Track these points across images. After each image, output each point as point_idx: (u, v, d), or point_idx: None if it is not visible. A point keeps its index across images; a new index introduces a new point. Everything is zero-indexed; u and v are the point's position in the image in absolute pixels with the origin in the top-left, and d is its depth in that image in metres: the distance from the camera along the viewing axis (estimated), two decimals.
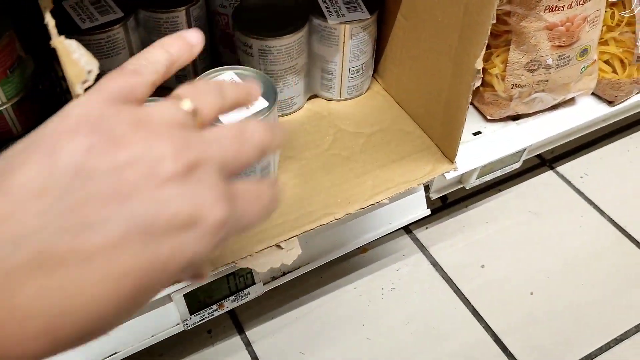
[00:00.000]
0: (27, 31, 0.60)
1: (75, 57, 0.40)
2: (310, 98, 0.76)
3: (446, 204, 1.06)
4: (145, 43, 0.71)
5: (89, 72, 0.39)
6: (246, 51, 0.67)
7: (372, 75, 0.78)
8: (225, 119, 0.56)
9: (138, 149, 0.25)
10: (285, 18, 0.68)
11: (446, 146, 0.69)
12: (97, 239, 0.23)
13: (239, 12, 0.68)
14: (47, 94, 0.63)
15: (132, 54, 0.70)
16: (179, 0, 0.69)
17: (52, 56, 0.61)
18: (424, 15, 0.65)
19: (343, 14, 0.69)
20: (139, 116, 0.27)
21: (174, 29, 0.69)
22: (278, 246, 0.61)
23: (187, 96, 0.31)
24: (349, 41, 0.69)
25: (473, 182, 0.93)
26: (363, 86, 0.76)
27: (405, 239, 1.01)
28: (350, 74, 0.73)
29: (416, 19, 0.66)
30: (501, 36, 0.86)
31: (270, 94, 0.59)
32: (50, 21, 0.45)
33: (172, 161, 0.25)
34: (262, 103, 0.58)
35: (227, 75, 0.61)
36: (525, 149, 0.92)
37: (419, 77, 0.70)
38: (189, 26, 0.70)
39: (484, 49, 0.57)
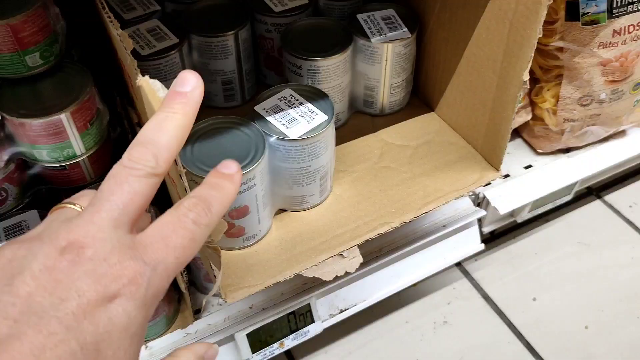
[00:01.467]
0: (103, 81, 0.62)
1: (160, 96, 0.42)
2: (353, 114, 0.78)
3: (494, 235, 1.06)
4: (198, 65, 0.75)
5: None
6: (295, 71, 0.70)
7: (412, 90, 0.80)
8: (289, 131, 0.59)
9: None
10: (330, 39, 0.71)
11: (491, 155, 0.71)
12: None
13: (287, 35, 0.71)
14: (118, 141, 0.65)
15: None
16: (228, 25, 0.73)
17: (128, 103, 0.64)
18: (467, 33, 0.67)
19: (385, 33, 0.71)
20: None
21: (224, 51, 0.73)
22: (341, 255, 0.63)
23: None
24: (390, 59, 0.72)
25: (525, 216, 0.93)
26: (404, 101, 0.79)
27: (455, 272, 1.01)
28: (391, 89, 0.76)
29: (458, 36, 0.68)
30: (552, 71, 0.87)
31: (329, 109, 0.62)
32: (132, 62, 0.47)
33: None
34: (322, 117, 0.60)
35: (287, 92, 0.63)
36: (577, 182, 0.92)
37: (461, 90, 0.72)
38: (238, 49, 0.73)
39: (530, 61, 0.58)
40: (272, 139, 0.59)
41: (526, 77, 0.60)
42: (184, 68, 0.73)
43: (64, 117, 0.54)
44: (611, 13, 0.77)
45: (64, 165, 0.59)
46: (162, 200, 0.65)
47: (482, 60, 0.66)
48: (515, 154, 0.95)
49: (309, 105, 0.62)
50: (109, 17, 0.49)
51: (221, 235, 0.48)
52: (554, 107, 0.88)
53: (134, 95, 0.56)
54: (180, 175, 0.43)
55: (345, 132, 0.75)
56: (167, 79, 0.70)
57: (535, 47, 0.58)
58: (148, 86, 0.42)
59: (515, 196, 0.88)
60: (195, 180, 0.54)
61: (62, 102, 0.55)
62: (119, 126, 0.65)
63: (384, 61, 0.72)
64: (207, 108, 0.78)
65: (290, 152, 0.59)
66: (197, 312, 0.73)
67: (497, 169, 0.71)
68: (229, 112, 0.76)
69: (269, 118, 0.60)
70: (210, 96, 0.78)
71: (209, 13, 0.75)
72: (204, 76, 0.75)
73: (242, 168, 0.55)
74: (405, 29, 0.72)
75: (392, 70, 0.73)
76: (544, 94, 0.88)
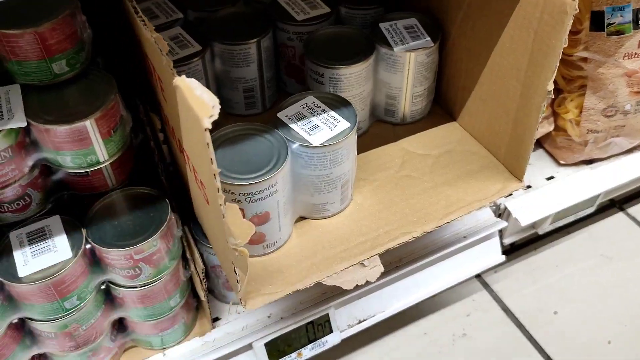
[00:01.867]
0: (126, 88, 0.62)
1: (198, 94, 0.42)
2: (374, 122, 0.78)
3: (515, 247, 1.04)
4: (220, 73, 0.75)
5: (213, 107, 0.41)
6: (317, 79, 0.70)
7: (434, 99, 0.79)
8: (312, 138, 0.58)
9: None
10: (352, 48, 0.72)
11: (514, 165, 0.70)
12: None
13: (310, 44, 0.71)
14: (139, 147, 0.65)
15: (208, 82, 0.74)
16: (251, 33, 0.73)
17: (152, 110, 0.64)
18: (490, 42, 0.66)
19: (407, 42, 0.71)
20: None
21: (246, 59, 0.74)
22: (361, 264, 0.62)
23: None
24: (413, 68, 0.72)
25: (547, 228, 0.91)
26: (425, 110, 0.78)
27: (474, 283, 1.00)
28: (413, 98, 0.76)
29: (481, 45, 0.68)
30: (575, 81, 0.86)
31: (351, 116, 0.62)
32: (168, 62, 0.47)
33: None
34: (344, 124, 0.60)
35: (309, 99, 0.63)
36: (600, 194, 0.91)
37: (483, 100, 0.72)
38: (260, 57, 0.74)
39: (555, 71, 0.58)
40: (295, 146, 0.58)
41: (551, 87, 0.59)
42: (206, 75, 0.73)
43: (88, 124, 0.55)
44: (637, 23, 0.76)
45: (86, 172, 0.59)
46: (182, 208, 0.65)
47: (505, 70, 0.65)
48: (537, 165, 0.94)
49: (332, 112, 0.62)
50: (143, 21, 0.49)
51: (248, 237, 0.48)
52: (577, 117, 0.87)
53: (163, 99, 0.56)
54: (214, 175, 0.43)
55: (366, 140, 0.75)
56: None
57: (560, 57, 0.57)
58: (185, 85, 0.43)
59: (537, 207, 0.87)
60: None
61: (87, 109, 0.55)
62: (141, 133, 0.65)
63: (406, 70, 0.72)
64: (228, 115, 0.79)
65: (312, 159, 0.59)
66: (215, 320, 0.73)
67: (520, 179, 0.70)
68: (250, 120, 0.76)
69: (292, 125, 0.60)
70: (231, 104, 0.78)
71: (231, 21, 0.75)
72: (226, 84, 0.77)
73: (265, 174, 0.55)
74: (428, 38, 0.72)
75: (414, 79, 0.73)
76: (567, 105, 0.87)
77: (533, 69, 0.61)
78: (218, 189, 0.45)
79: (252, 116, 0.79)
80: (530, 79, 0.62)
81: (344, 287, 0.60)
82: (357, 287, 0.76)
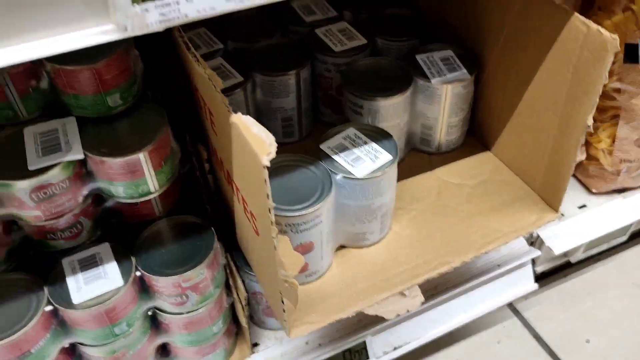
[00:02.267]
0: (174, 119, 0.64)
1: (255, 132, 0.44)
2: (409, 151, 0.79)
3: (545, 274, 1.04)
4: (260, 103, 0.77)
5: (270, 144, 0.42)
6: (356, 110, 0.72)
7: (469, 129, 0.80)
8: (355, 169, 0.60)
9: None
10: (390, 79, 0.73)
11: (550, 196, 0.71)
12: None
13: (349, 75, 0.73)
14: (186, 177, 0.67)
15: (249, 112, 0.76)
16: (290, 64, 0.75)
17: (199, 140, 0.66)
18: (527, 75, 0.67)
19: (444, 74, 0.73)
20: None
21: (285, 90, 0.76)
22: (402, 294, 0.63)
23: None
24: (449, 99, 0.73)
25: (579, 256, 0.92)
26: (460, 140, 0.79)
27: (505, 310, 1.00)
28: (449, 128, 0.77)
29: (518, 78, 0.69)
30: (607, 111, 0.87)
31: (392, 148, 0.63)
32: (223, 99, 0.49)
33: None
34: (386, 156, 0.61)
35: (350, 131, 0.65)
36: (633, 223, 0.91)
37: (519, 131, 0.73)
38: (298, 88, 0.76)
39: (595, 106, 0.58)
40: (338, 177, 0.60)
41: (590, 121, 0.60)
42: (247, 106, 0.75)
43: (141, 156, 0.57)
44: None
45: (136, 202, 0.61)
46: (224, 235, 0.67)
47: (542, 103, 0.66)
48: (569, 193, 0.94)
49: (373, 144, 0.63)
50: (195, 57, 0.51)
51: (298, 269, 0.49)
52: (610, 147, 0.87)
53: (212, 131, 0.58)
54: (269, 210, 0.45)
55: (403, 169, 0.76)
56: None
57: (600, 93, 0.58)
58: (242, 123, 0.44)
59: (570, 236, 0.87)
60: None
61: (140, 142, 0.57)
62: (187, 163, 0.67)
63: (443, 101, 0.73)
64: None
65: (355, 190, 0.61)
66: (255, 346, 0.74)
67: (556, 210, 0.71)
68: (286, 148, 0.78)
69: (334, 157, 0.62)
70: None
71: (271, 52, 0.77)
72: (265, 113, 0.79)
73: (311, 206, 0.57)
74: (464, 70, 0.73)
75: (450, 110, 0.75)
76: (599, 134, 0.88)
77: (572, 104, 0.62)
78: (272, 222, 0.46)
79: (289, 144, 0.81)
80: (568, 112, 0.63)
81: (386, 317, 0.61)
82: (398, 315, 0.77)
